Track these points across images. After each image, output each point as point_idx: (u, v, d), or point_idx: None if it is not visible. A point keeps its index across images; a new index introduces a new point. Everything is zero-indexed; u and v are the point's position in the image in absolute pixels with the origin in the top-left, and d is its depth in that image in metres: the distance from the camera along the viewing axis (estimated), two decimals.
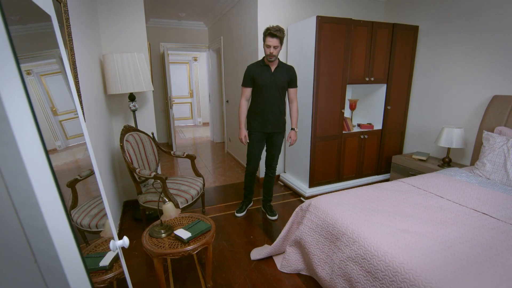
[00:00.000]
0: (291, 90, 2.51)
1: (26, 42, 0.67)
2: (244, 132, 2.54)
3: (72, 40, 1.63)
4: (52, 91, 0.87)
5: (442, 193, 1.97)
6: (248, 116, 2.57)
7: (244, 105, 2.52)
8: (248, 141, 2.56)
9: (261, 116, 2.47)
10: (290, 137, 2.56)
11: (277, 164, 2.71)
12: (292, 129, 2.57)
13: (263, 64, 2.41)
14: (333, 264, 1.61)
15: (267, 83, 2.39)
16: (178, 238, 1.65)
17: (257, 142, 2.55)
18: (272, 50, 2.25)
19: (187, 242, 1.63)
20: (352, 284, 1.46)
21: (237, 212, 2.77)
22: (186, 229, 1.71)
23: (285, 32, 2.31)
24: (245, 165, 2.68)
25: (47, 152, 0.49)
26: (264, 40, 2.28)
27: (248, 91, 2.49)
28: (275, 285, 1.84)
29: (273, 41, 2.22)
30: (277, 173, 3.21)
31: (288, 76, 2.43)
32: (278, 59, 2.43)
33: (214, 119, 5.96)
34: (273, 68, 2.40)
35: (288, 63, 3.37)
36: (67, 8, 1.58)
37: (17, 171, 0.41)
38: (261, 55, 3.25)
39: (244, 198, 2.85)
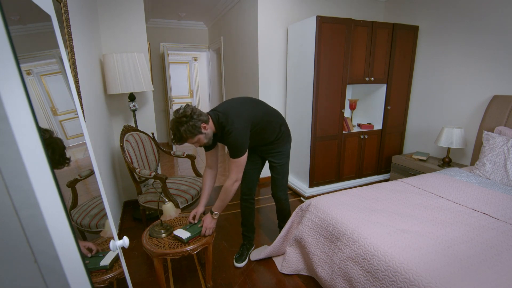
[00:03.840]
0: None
1: (26, 42, 0.67)
2: (199, 210, 1.83)
3: (72, 40, 1.63)
4: (52, 91, 0.87)
5: (442, 193, 1.97)
6: None
7: (207, 177, 1.94)
8: (195, 221, 1.80)
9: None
10: (203, 221, 1.73)
11: (284, 193, 2.07)
12: (210, 212, 1.77)
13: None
14: (333, 264, 1.61)
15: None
16: (178, 238, 1.65)
17: (248, 155, 1.81)
18: (195, 146, 1.71)
19: (187, 242, 1.63)
20: (352, 284, 1.46)
21: (236, 261, 2.02)
22: (186, 229, 1.71)
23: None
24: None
25: (47, 152, 0.49)
26: None
27: (208, 155, 1.90)
28: (275, 285, 1.84)
29: (184, 144, 1.68)
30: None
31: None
32: (213, 121, 1.68)
33: None
34: (218, 132, 1.74)
35: (288, 63, 3.34)
36: (67, 8, 1.58)
37: (17, 171, 0.41)
38: (260, 56, 3.25)
39: (243, 238, 2.15)
